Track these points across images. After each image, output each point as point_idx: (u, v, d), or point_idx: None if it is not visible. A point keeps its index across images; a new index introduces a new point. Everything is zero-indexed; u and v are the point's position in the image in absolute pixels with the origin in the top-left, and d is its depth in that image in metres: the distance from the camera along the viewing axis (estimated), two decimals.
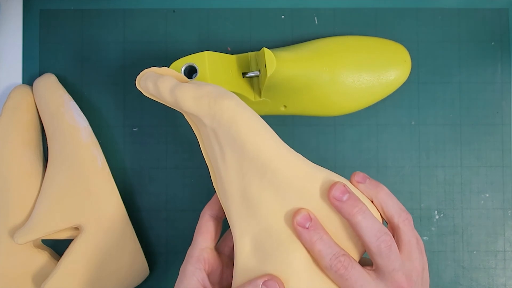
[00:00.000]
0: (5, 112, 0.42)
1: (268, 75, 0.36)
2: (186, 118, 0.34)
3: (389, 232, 0.32)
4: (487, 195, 0.45)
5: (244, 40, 0.45)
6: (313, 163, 0.33)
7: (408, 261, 0.32)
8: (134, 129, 0.45)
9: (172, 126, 0.45)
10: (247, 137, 0.31)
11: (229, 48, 0.45)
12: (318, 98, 0.41)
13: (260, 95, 0.41)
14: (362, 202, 0.32)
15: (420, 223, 0.45)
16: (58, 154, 0.42)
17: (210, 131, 0.32)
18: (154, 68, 0.34)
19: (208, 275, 0.34)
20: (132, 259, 0.42)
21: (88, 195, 0.41)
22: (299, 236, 0.32)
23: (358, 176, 0.34)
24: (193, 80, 0.34)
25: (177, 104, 0.32)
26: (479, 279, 0.45)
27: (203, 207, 0.45)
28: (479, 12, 0.46)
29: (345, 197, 0.32)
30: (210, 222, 0.35)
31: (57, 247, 0.44)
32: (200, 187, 0.45)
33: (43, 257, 0.42)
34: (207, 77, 0.36)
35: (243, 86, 0.40)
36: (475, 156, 0.45)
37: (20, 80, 0.45)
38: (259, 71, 0.39)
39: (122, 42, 0.45)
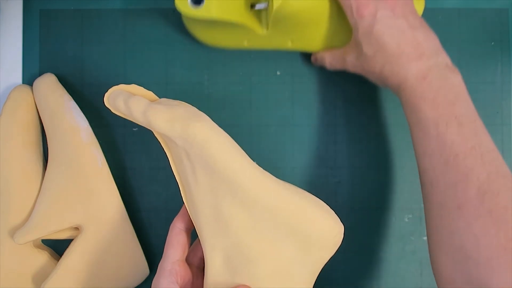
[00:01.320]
0: (5, 112, 0.42)
1: (275, 7, 0.36)
2: (154, 134, 0.34)
3: None
4: None
5: None
6: (284, 181, 0.34)
7: None
8: (134, 129, 0.45)
9: None
10: (219, 159, 0.32)
11: None
12: (326, 32, 0.41)
13: (267, 29, 0.40)
14: None
15: (420, 223, 0.45)
16: (58, 154, 0.42)
17: (182, 151, 0.33)
18: (122, 86, 0.34)
19: None
20: (132, 259, 0.42)
21: (88, 195, 0.41)
22: None
23: None
24: (163, 99, 0.34)
25: (150, 126, 0.32)
26: None
27: None
28: (479, 12, 0.46)
29: None
30: (180, 235, 0.35)
31: (57, 247, 0.44)
32: None
33: (43, 257, 0.42)
34: (213, 6, 0.36)
35: (251, 19, 0.40)
36: None
37: (20, 80, 0.45)
38: (268, 3, 0.39)
39: (122, 42, 0.45)
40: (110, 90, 0.34)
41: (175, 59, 0.45)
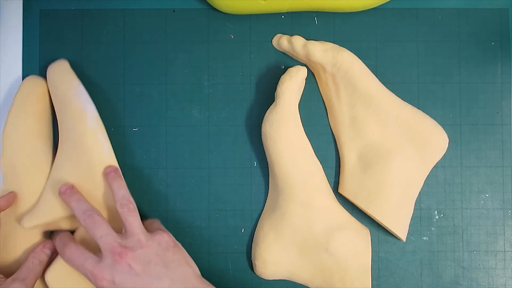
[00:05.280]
0: (16, 104, 0.42)
1: None
2: (309, 67, 0.45)
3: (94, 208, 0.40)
4: (487, 195, 0.45)
5: (244, 40, 0.45)
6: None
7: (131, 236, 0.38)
8: (134, 129, 0.45)
9: (172, 126, 0.45)
10: (359, 79, 0.42)
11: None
12: None
13: None
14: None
15: (420, 223, 0.45)
16: (66, 140, 0.42)
17: (329, 76, 0.43)
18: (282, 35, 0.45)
19: None
20: None
21: (92, 182, 0.41)
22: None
23: None
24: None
25: (308, 55, 0.42)
26: (479, 279, 0.45)
27: (203, 207, 0.45)
28: (479, 12, 0.46)
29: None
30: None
31: None
32: (200, 187, 0.45)
33: None
34: None
35: None
36: (475, 156, 0.45)
37: (20, 80, 0.45)
38: None
39: (122, 42, 0.45)
40: (275, 37, 0.45)
41: (175, 59, 0.45)
